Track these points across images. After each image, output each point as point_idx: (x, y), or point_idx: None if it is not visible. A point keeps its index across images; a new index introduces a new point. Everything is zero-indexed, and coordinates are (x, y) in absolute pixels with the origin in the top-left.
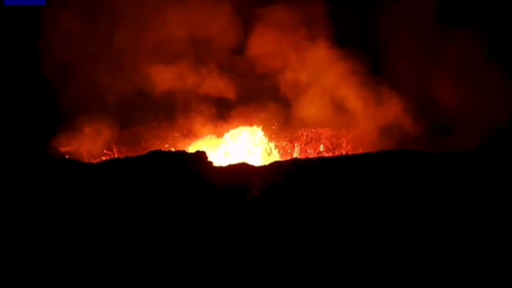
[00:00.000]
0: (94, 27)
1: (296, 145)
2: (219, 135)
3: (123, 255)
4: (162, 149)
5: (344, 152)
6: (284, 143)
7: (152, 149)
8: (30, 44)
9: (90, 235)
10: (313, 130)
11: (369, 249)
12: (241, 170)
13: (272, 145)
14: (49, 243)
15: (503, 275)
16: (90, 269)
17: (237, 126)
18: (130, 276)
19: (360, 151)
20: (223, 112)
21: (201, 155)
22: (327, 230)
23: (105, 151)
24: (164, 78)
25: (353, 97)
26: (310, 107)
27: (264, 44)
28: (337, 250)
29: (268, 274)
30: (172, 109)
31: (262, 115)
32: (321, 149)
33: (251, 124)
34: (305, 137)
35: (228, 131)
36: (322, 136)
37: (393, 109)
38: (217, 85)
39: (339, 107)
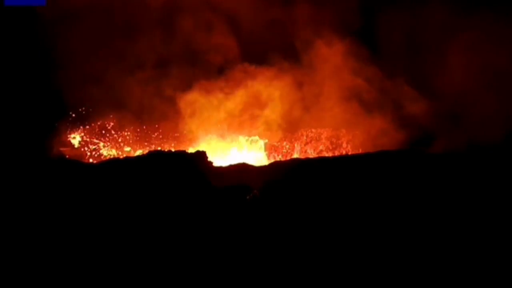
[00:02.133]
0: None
1: (296, 145)
2: (220, 135)
3: (123, 255)
4: (162, 149)
5: (344, 152)
6: (284, 143)
7: (152, 149)
8: (30, 44)
9: (90, 234)
10: (313, 130)
11: (369, 248)
12: (241, 170)
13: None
14: (49, 243)
15: (505, 274)
16: (90, 269)
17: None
18: (130, 276)
19: (360, 151)
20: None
21: (201, 155)
22: (327, 230)
23: (105, 151)
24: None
25: (368, 95)
26: (325, 105)
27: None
28: (337, 249)
29: (268, 273)
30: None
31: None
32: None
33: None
34: (305, 137)
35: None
36: (322, 136)
37: (409, 107)
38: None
39: (352, 105)
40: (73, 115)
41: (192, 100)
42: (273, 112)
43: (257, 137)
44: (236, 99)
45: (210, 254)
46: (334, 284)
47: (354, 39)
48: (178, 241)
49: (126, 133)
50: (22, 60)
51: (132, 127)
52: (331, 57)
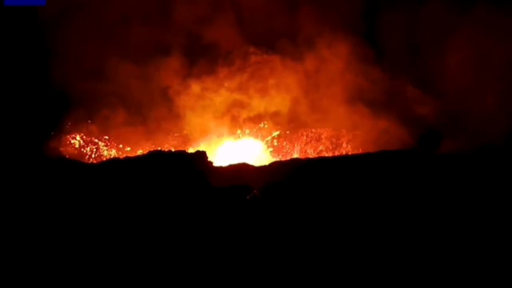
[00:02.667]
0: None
1: (296, 145)
2: (220, 134)
3: (123, 255)
4: (162, 149)
5: (344, 152)
6: (284, 143)
7: (152, 148)
8: (30, 44)
9: (91, 234)
10: (313, 130)
11: (368, 248)
12: (241, 170)
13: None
14: (49, 242)
15: (503, 275)
16: (90, 269)
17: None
18: (130, 276)
19: (360, 151)
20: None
21: (201, 155)
22: (327, 230)
23: (105, 151)
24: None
25: (369, 95)
26: (326, 105)
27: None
28: (337, 249)
29: (268, 273)
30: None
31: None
32: None
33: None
34: (305, 137)
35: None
36: (322, 136)
37: (412, 106)
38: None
39: (354, 105)
40: (73, 115)
41: (191, 96)
42: (276, 110)
43: (265, 124)
44: (236, 96)
45: (210, 254)
46: (334, 284)
47: (357, 39)
48: (179, 241)
49: (126, 133)
50: (22, 60)
51: (132, 127)
52: (334, 57)
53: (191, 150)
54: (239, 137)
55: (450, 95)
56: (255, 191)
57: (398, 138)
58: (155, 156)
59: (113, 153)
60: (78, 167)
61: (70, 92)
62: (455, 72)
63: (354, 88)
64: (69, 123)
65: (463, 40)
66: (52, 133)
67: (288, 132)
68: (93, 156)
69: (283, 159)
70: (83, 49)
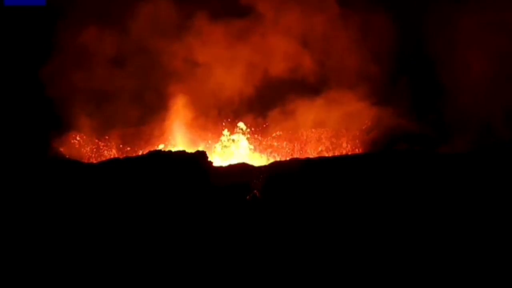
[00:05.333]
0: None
1: (296, 145)
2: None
3: (123, 255)
4: (162, 149)
5: (344, 152)
6: (284, 143)
7: (151, 149)
8: (30, 44)
9: (91, 234)
10: (313, 130)
11: (368, 248)
12: (241, 170)
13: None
14: (50, 242)
15: (503, 275)
16: (90, 269)
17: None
18: (130, 276)
19: (360, 151)
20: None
21: (201, 155)
22: (327, 230)
23: (105, 152)
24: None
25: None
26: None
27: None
28: (337, 249)
29: (268, 273)
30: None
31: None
32: None
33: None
34: (305, 137)
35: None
36: (322, 136)
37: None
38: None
39: (354, 104)
40: (73, 114)
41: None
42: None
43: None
44: (238, 96)
45: (210, 254)
46: (334, 284)
47: (357, 36)
48: (179, 241)
49: (126, 133)
50: (22, 60)
51: (133, 127)
52: (335, 54)
53: (190, 150)
54: (239, 137)
55: (457, 93)
56: (255, 191)
57: (400, 137)
58: (155, 156)
59: (113, 153)
60: (78, 167)
61: (70, 91)
62: (460, 69)
63: (355, 87)
64: (69, 123)
65: (471, 37)
66: (52, 133)
67: (290, 131)
68: (93, 156)
69: (283, 159)
70: (83, 49)
